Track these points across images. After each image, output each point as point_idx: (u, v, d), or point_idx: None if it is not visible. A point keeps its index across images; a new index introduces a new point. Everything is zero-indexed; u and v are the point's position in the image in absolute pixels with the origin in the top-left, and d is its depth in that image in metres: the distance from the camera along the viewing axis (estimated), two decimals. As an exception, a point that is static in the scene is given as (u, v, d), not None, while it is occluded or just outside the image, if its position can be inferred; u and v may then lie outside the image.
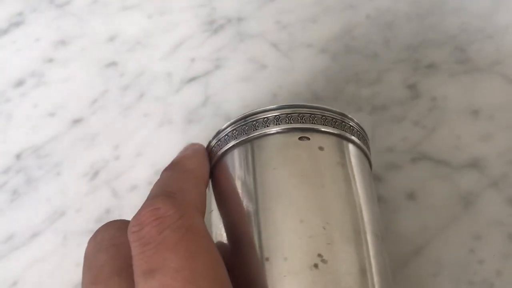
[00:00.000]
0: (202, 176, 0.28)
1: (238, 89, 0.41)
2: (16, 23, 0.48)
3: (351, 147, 0.28)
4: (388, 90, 0.40)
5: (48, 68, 0.44)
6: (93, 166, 0.38)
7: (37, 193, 0.37)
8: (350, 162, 0.27)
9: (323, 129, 0.27)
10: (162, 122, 0.40)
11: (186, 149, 0.29)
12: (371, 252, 0.24)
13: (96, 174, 0.38)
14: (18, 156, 0.39)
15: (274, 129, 0.27)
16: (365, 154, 0.29)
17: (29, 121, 0.41)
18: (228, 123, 0.28)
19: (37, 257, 0.35)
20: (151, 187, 0.26)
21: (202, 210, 0.25)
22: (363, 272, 0.23)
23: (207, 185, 0.28)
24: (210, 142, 0.29)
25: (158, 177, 0.26)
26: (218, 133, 0.29)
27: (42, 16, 0.48)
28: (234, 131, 0.28)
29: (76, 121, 0.40)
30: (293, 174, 0.25)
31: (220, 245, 0.26)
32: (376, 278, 0.24)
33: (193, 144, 0.30)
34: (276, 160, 0.26)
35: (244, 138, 0.27)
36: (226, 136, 0.28)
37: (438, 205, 0.34)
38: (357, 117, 0.36)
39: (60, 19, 0.48)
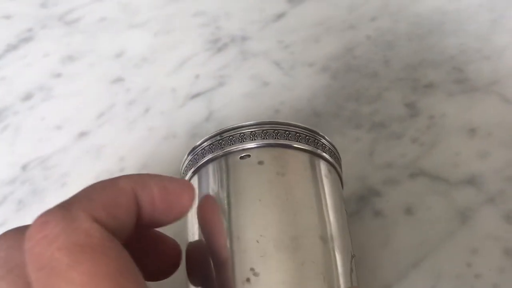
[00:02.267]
0: (128, 189, 0.24)
1: (241, 105, 0.42)
2: (26, 39, 0.49)
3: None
4: (388, 108, 0.41)
5: (56, 83, 0.45)
6: (99, 177, 0.39)
7: (43, 203, 0.38)
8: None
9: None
10: (166, 136, 0.41)
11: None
12: (311, 256, 0.24)
13: (100, 185, 0.38)
14: (24, 167, 0.40)
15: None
16: (335, 169, 0.29)
17: (36, 133, 0.42)
18: (204, 138, 0.29)
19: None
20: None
21: (106, 221, 0.22)
22: (299, 278, 0.24)
23: (132, 199, 0.24)
24: (184, 160, 0.30)
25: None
26: (194, 148, 0.29)
27: (51, 33, 0.49)
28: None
29: (83, 134, 0.41)
30: (231, 192, 0.26)
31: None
32: (315, 282, 0.24)
33: None
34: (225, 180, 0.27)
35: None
36: (203, 150, 0.29)
37: (435, 220, 0.34)
38: (356, 134, 0.37)
39: (69, 36, 0.49)
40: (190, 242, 0.28)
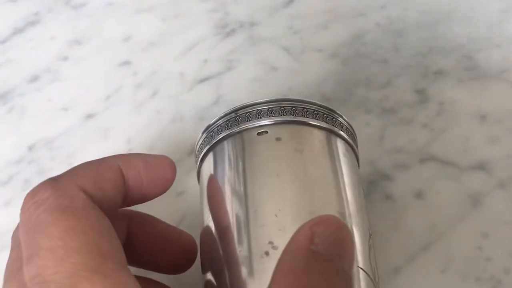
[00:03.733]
0: (114, 164, 0.26)
1: (249, 89, 0.42)
2: (32, 22, 0.49)
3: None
4: (398, 94, 0.40)
5: (63, 66, 0.45)
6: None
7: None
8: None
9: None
10: (174, 119, 0.40)
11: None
12: None
13: (107, 167, 0.38)
14: (30, 148, 0.39)
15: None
16: (352, 148, 0.29)
17: (42, 114, 0.42)
18: (219, 115, 0.29)
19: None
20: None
21: (92, 192, 0.24)
22: None
23: (118, 173, 0.26)
24: (199, 138, 0.30)
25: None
26: (209, 126, 0.29)
27: (57, 16, 0.49)
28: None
29: (89, 116, 0.41)
30: (248, 167, 0.26)
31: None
32: None
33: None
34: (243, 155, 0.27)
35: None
36: (219, 127, 0.28)
37: (446, 204, 0.34)
38: (366, 119, 0.36)
39: (76, 20, 0.49)
40: (203, 228, 0.28)
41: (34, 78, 0.44)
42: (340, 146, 0.28)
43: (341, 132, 0.28)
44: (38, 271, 0.21)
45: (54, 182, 0.23)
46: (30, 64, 0.45)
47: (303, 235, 0.21)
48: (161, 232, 0.30)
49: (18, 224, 0.24)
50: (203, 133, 0.29)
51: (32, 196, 0.23)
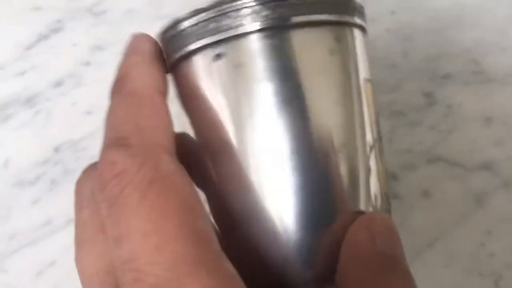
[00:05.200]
0: (158, 90, 0.23)
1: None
2: (56, 29, 0.51)
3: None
4: (406, 97, 0.42)
5: (86, 71, 0.47)
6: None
7: (74, 183, 0.40)
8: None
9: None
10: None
11: (130, 49, 0.25)
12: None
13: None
14: (56, 149, 0.42)
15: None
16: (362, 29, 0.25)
17: (67, 118, 0.44)
18: (191, 11, 0.22)
19: (73, 240, 0.37)
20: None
21: (167, 144, 0.21)
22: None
23: (166, 97, 0.23)
24: (164, 32, 0.23)
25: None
26: (176, 23, 0.22)
27: (79, 24, 0.51)
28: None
29: (111, 119, 0.43)
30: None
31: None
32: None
33: (137, 39, 0.25)
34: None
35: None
36: (188, 31, 0.22)
37: (451, 202, 0.36)
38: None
39: (97, 27, 0.51)
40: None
41: (59, 83, 0.46)
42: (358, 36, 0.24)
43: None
44: (130, 257, 0.18)
45: (127, 148, 0.20)
46: (54, 69, 0.47)
47: (364, 238, 0.20)
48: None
49: (81, 176, 0.23)
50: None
51: (111, 168, 0.20)
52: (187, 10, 0.23)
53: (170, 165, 0.20)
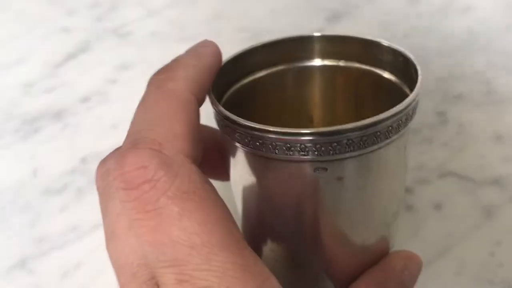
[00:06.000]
0: (197, 97, 0.23)
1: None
2: (83, 49, 0.53)
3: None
4: (419, 116, 0.43)
5: (111, 88, 0.49)
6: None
7: (99, 192, 0.42)
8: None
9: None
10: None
11: (192, 51, 0.25)
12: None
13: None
14: (83, 160, 0.44)
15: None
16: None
17: (93, 131, 0.46)
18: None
19: (98, 245, 0.38)
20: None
21: (195, 154, 0.22)
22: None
23: (200, 105, 0.23)
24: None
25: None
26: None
27: (106, 44, 0.54)
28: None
29: (136, 133, 0.45)
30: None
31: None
32: None
33: (205, 46, 0.26)
34: None
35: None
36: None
37: (462, 215, 0.37)
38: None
39: (122, 47, 0.53)
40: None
41: (86, 99, 0.48)
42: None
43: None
44: (175, 263, 0.19)
45: (161, 156, 0.20)
46: (81, 86, 0.50)
47: (400, 264, 0.26)
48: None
49: (100, 164, 0.24)
50: None
51: (142, 172, 0.20)
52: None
53: (200, 176, 0.21)
